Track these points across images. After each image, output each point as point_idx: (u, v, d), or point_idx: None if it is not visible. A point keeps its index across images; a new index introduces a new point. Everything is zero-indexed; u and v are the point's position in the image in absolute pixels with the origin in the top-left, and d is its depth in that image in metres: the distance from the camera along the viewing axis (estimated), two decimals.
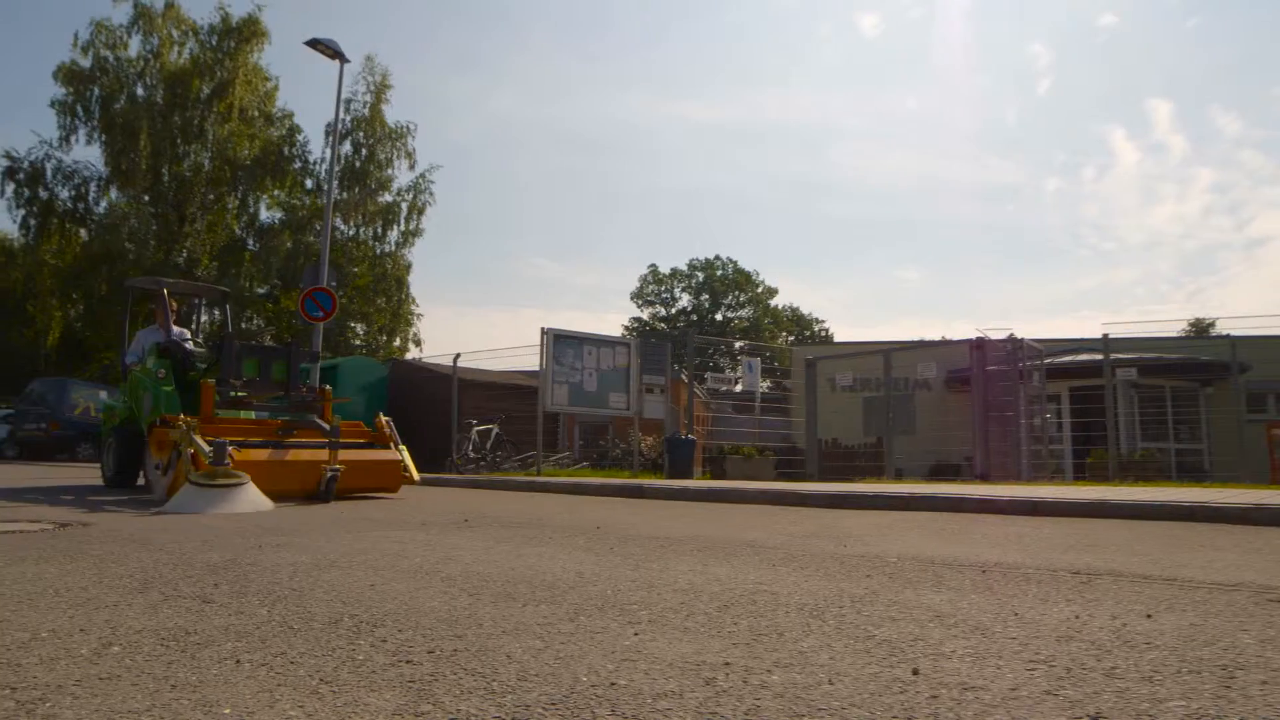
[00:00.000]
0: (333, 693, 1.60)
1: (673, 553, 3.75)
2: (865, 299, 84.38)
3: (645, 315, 60.37)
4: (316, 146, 35.13)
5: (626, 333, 55.00)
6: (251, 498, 6.23)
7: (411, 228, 33.20)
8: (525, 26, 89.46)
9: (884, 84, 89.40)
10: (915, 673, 1.73)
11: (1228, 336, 14.72)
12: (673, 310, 60.17)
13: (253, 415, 8.77)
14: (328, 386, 8.89)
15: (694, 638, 2.06)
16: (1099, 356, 12.31)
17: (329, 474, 7.15)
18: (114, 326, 28.13)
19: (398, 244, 32.95)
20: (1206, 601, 2.58)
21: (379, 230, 32.58)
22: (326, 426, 7.77)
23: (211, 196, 31.37)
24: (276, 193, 32.76)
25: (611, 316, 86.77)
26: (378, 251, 32.39)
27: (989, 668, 1.78)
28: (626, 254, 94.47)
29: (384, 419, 8.65)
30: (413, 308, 33.24)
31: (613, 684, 1.65)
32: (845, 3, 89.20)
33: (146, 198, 29.70)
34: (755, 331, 55.50)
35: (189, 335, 10.06)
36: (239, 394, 8.19)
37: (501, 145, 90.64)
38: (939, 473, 15.28)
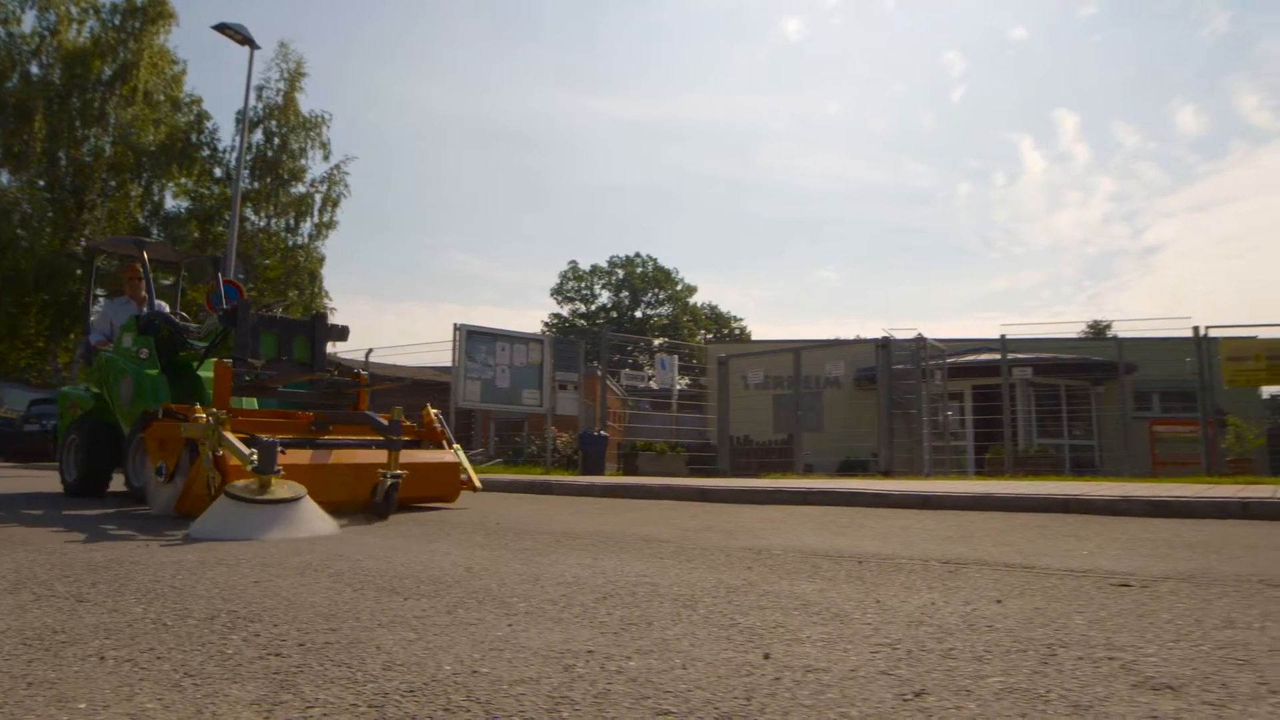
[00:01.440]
0: (194, 685, 1.62)
1: (566, 547, 3.82)
2: (785, 298, 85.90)
3: (565, 312, 60.30)
4: (227, 134, 34.20)
5: (546, 329, 54.81)
6: (312, 516, 4.46)
7: (325, 220, 32.42)
8: (451, 19, 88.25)
9: (806, 88, 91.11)
10: (766, 657, 1.83)
11: (1116, 339, 15.50)
12: (592, 307, 60.22)
13: (256, 404, 7.27)
14: (363, 372, 7.20)
15: (565, 628, 2.13)
16: (997, 356, 12.84)
17: (389, 481, 5.38)
18: (5, 321, 26.90)
19: (311, 236, 32.14)
20: (1055, 587, 2.76)
21: (292, 222, 31.75)
22: (385, 421, 5.80)
23: (113, 183, 30.10)
24: (183, 181, 31.63)
25: (532, 312, 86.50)
26: (290, 244, 31.57)
27: (837, 651, 1.89)
28: (549, 250, 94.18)
29: (433, 411, 6.91)
30: (326, 301, 32.53)
31: (474, 672, 1.71)
32: (770, 6, 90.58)
33: (42, 183, 28.36)
34: (674, 329, 55.92)
35: (167, 308, 8.24)
36: (260, 376, 6.20)
37: (426, 138, 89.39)
38: (848, 468, 15.71)
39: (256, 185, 30.50)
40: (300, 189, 31.88)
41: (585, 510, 6.20)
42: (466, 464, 6.67)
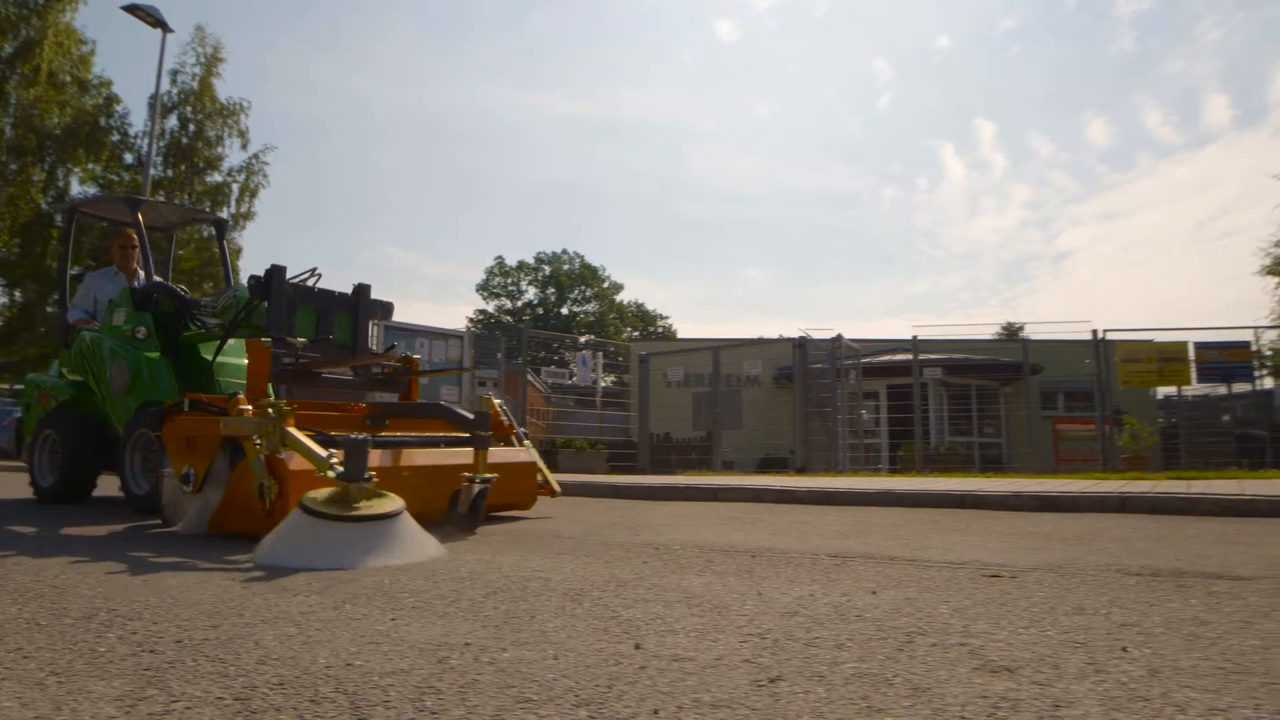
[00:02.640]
0: (59, 683, 1.61)
1: (469, 544, 3.85)
2: (712, 297, 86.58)
3: (490, 308, 59.79)
4: (139, 119, 32.76)
5: (471, 325, 54.28)
6: (414, 535, 3.41)
7: (243, 210, 31.46)
8: (387, 11, 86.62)
9: (737, 89, 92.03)
10: (637, 647, 1.90)
11: (1023, 341, 16.11)
12: (519, 303, 59.82)
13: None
14: (416, 355, 5.98)
15: (449, 622, 2.17)
16: (909, 356, 13.24)
17: (478, 486, 4.39)
18: None
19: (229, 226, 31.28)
20: (931, 579, 2.90)
21: (207, 211, 30.81)
22: (469, 415, 4.85)
23: (14, 166, 28.79)
24: (91, 166, 30.42)
25: (460, 308, 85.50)
26: (205, 234, 30.65)
27: (707, 641, 1.97)
28: (479, 245, 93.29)
29: (497, 403, 5.58)
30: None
31: (348, 664, 1.74)
32: (704, 7, 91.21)
33: None
34: (600, 326, 55.96)
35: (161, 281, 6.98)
36: (304, 359, 5.05)
37: (359, 130, 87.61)
38: (767, 465, 15.99)
39: (170, 173, 29.49)
40: (216, 178, 30.93)
41: None
42: (542, 465, 5.62)
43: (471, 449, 4.60)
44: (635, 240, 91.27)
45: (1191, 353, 14.06)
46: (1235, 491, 5.59)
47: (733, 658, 1.82)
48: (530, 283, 60.40)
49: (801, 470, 11.98)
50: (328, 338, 5.31)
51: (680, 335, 51.16)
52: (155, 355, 5.58)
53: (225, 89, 32.77)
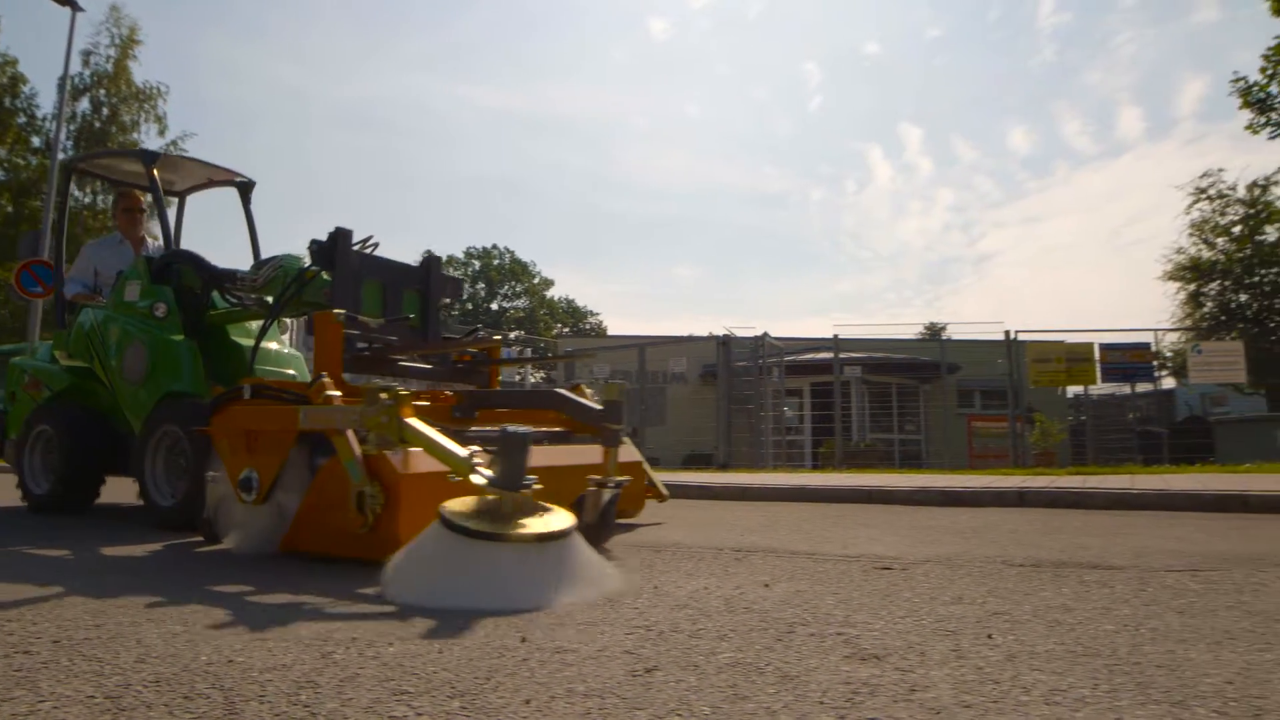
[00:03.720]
0: None
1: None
2: (642, 293, 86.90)
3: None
4: (49, 101, 31.53)
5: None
6: (590, 558, 2.70)
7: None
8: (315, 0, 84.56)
9: (669, 88, 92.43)
10: (523, 640, 1.94)
11: (939, 340, 16.60)
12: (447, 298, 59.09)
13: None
14: (497, 336, 5.24)
15: (344, 617, 2.18)
16: (830, 355, 13.52)
17: (609, 491, 3.58)
18: None
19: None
20: (825, 571, 3.00)
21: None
22: (594, 405, 4.00)
23: None
24: None
25: None
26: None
27: (595, 634, 2.02)
28: (409, 239, 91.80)
29: (588, 390, 4.66)
30: None
31: (230, 660, 1.74)
32: (638, 5, 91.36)
33: None
34: (530, 322, 55.73)
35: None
36: (378, 343, 4.35)
37: (287, 119, 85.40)
38: (691, 461, 16.14)
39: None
40: None
41: None
42: (647, 465, 5.03)
43: (595, 447, 3.82)
44: (566, 236, 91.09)
45: (1097, 353, 14.64)
46: (1125, 486, 5.88)
47: (615, 649, 1.87)
48: (459, 277, 59.89)
49: (724, 466, 12.15)
50: (406, 318, 4.49)
51: (610, 332, 51.19)
52: (179, 338, 4.65)
53: (143, 73, 31.65)
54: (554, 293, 61.18)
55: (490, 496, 2.61)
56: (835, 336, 12.99)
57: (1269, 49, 11.64)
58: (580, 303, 61.84)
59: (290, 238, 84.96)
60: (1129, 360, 15.20)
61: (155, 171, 5.25)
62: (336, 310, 3.85)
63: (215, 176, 6.28)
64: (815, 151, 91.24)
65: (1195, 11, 57.73)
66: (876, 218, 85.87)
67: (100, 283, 5.51)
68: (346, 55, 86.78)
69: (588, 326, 59.04)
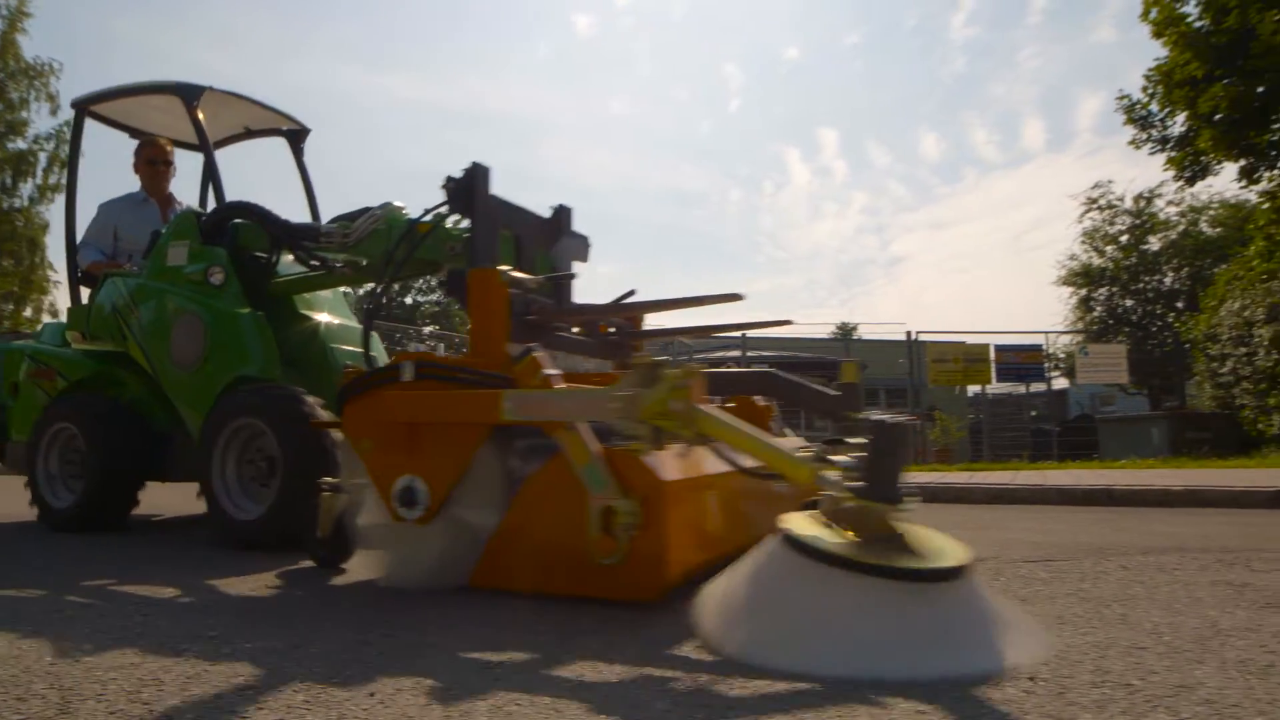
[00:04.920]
0: None
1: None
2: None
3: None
4: None
5: None
6: (990, 608, 1.87)
7: (52, 182, 29.14)
8: None
9: (592, 84, 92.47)
10: (385, 637, 1.96)
11: (844, 340, 17.07)
12: (360, 290, 57.93)
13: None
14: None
15: (213, 614, 2.16)
16: (739, 353, 13.78)
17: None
18: None
19: (32, 199, 28.71)
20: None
21: (9, 181, 28.24)
22: (827, 389, 3.45)
23: None
24: None
25: None
26: (5, 206, 28.09)
27: None
28: None
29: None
30: (50, 273, 29.22)
31: (76, 661, 1.71)
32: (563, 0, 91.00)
33: None
34: (445, 317, 54.98)
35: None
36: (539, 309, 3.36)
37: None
38: None
39: None
40: (20, 145, 28.41)
41: None
42: None
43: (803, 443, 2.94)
44: None
45: (992, 354, 15.26)
46: (1006, 481, 6.17)
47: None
48: None
49: None
50: (570, 275, 3.66)
51: None
52: (245, 310, 3.76)
53: (35, 48, 30.05)
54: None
55: (844, 512, 1.89)
56: (743, 335, 13.22)
57: (1150, 70, 12.30)
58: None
59: None
60: (1022, 361, 15.91)
61: (199, 112, 4.32)
62: (502, 267, 2.85)
63: (261, 123, 5.11)
64: (734, 152, 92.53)
65: (1094, 31, 60.60)
66: (793, 219, 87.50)
67: (121, 248, 4.63)
68: (268, 42, 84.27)
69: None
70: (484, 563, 2.47)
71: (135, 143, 4.94)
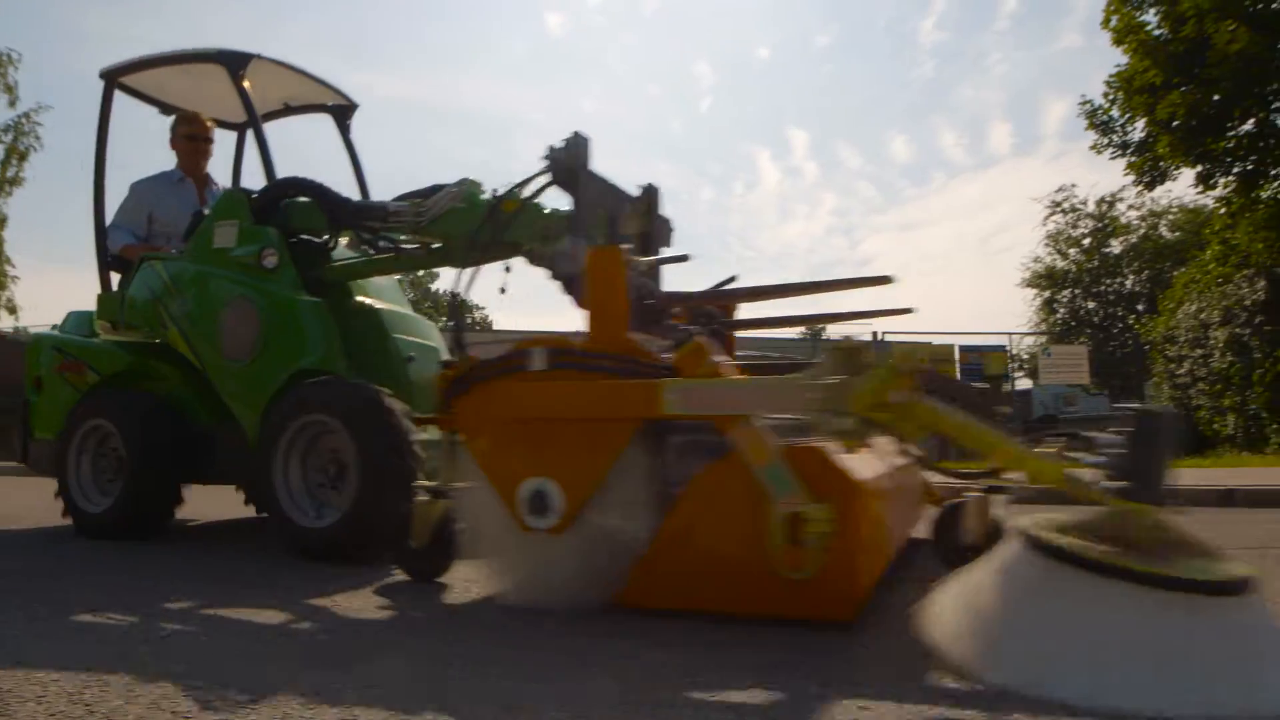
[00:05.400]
0: None
1: (211, 536, 3.74)
2: (537, 289, 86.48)
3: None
4: None
5: None
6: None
7: (10, 175, 28.47)
8: None
9: (565, 82, 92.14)
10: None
11: (811, 340, 17.22)
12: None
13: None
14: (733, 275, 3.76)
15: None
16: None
17: (995, 499, 2.54)
18: None
19: None
20: None
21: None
22: (971, 384, 3.16)
23: None
24: None
25: None
26: None
27: None
28: None
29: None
30: (7, 268, 28.64)
31: (18, 662, 1.69)
32: None
33: None
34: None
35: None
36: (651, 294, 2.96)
37: None
38: None
39: None
40: None
41: None
42: None
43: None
44: None
45: (957, 355, 15.45)
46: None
47: None
48: None
49: None
50: (682, 257, 3.31)
51: (496, 327, 50.87)
52: (305, 297, 3.43)
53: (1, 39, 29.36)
54: (439, 285, 60.28)
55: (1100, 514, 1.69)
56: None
57: (1110, 76, 12.51)
58: (468, 297, 60.95)
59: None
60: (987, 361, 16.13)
61: (245, 82, 3.90)
62: (623, 245, 2.51)
63: (304, 98, 4.67)
64: (705, 151, 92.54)
65: (1060, 38, 61.25)
66: (763, 219, 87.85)
67: (156, 231, 4.24)
68: (239, 35, 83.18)
69: (477, 321, 58.33)
70: (636, 578, 2.16)
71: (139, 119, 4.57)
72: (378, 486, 2.89)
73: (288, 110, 4.77)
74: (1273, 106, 11.34)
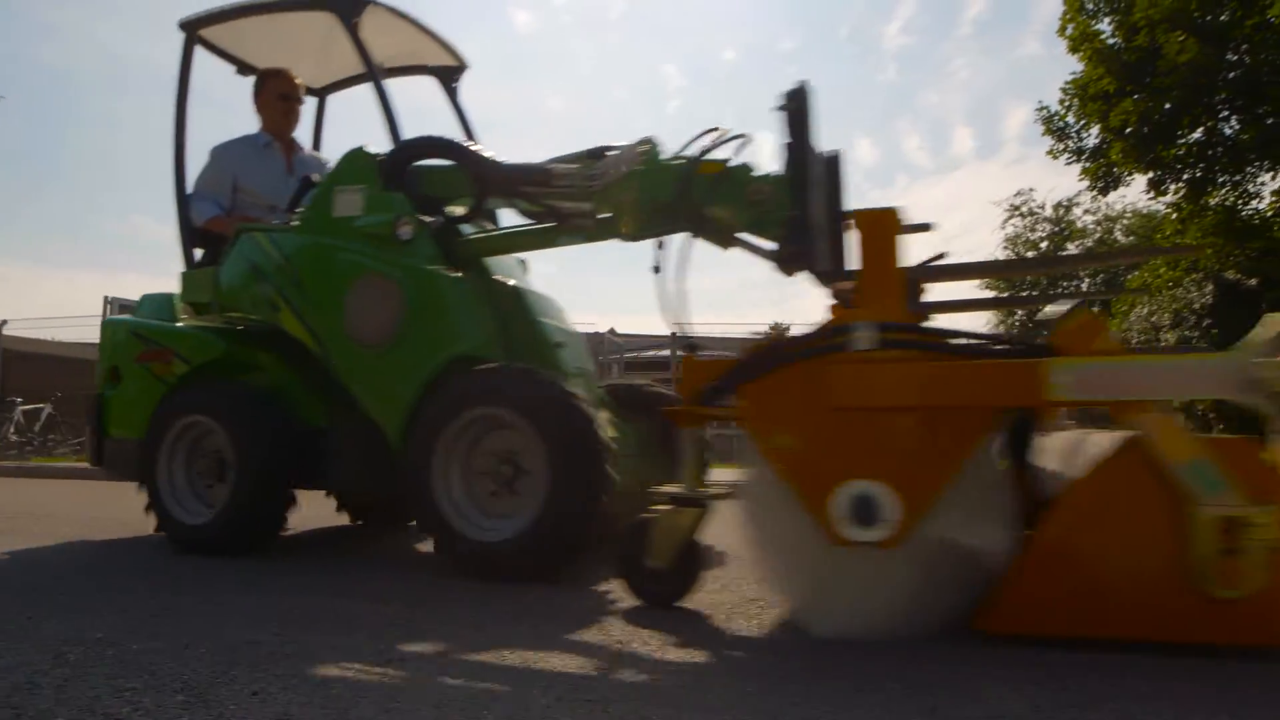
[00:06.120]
0: None
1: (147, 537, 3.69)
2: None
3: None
4: None
5: None
6: None
7: None
8: None
9: (532, 80, 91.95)
10: (275, 634, 1.96)
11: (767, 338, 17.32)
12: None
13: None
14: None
15: (95, 615, 2.13)
16: (667, 352, 13.87)
17: None
18: None
19: None
20: None
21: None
22: None
23: None
24: None
25: None
26: None
27: None
28: None
29: None
30: None
31: None
32: None
33: None
34: None
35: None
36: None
37: (109, 83, 79.29)
38: None
39: None
40: None
41: None
42: None
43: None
44: None
45: None
46: None
47: None
48: None
49: None
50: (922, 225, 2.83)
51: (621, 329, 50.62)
52: (452, 272, 3.02)
53: None
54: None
55: None
56: (673, 335, 13.28)
57: (1066, 83, 12.74)
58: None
59: (106, 212, 78.71)
60: None
61: (360, 33, 3.37)
62: (887, 206, 2.11)
63: (407, 58, 4.09)
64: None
65: (1021, 45, 62.44)
66: None
67: (242, 200, 3.79)
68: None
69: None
70: (1003, 599, 1.83)
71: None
72: (573, 492, 2.52)
73: (415, 67, 4.25)
74: (1220, 116, 11.64)
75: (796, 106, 2.39)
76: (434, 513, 2.72)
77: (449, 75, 4.25)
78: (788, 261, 2.47)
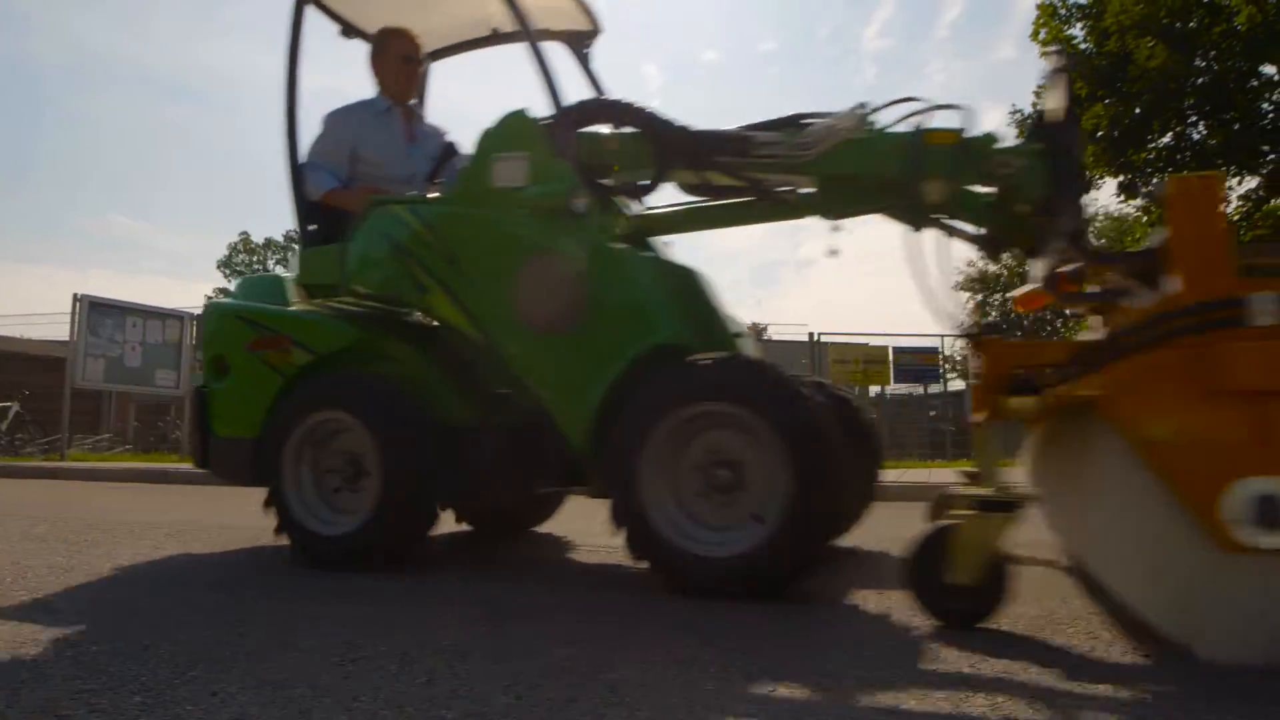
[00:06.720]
0: None
1: (116, 537, 3.67)
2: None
3: (233, 286, 55.64)
4: None
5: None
6: None
7: None
8: None
9: (513, 81, 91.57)
10: (241, 635, 1.96)
11: (755, 339, 17.44)
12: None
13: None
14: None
15: (50, 612, 2.13)
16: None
17: None
18: None
19: None
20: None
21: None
22: None
23: None
24: None
25: (200, 286, 78.79)
26: None
27: None
28: (224, 218, 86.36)
29: None
30: None
31: None
32: None
33: None
34: None
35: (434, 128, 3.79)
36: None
37: (84, 78, 78.15)
38: None
39: None
40: None
41: (171, 497, 5.92)
42: None
43: None
44: None
45: (891, 355, 15.74)
46: (889, 480, 6.41)
47: None
48: (278, 261, 56.99)
49: None
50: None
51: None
52: (642, 251, 2.83)
53: None
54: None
55: None
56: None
57: (1039, 86, 12.90)
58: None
59: (79, 208, 77.72)
60: (920, 363, 16.44)
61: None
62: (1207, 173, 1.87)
63: (540, 19, 3.42)
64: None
65: (997, 49, 63.18)
66: None
67: (362, 171, 3.43)
68: (156, 14, 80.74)
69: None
70: None
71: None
72: (817, 499, 2.25)
73: (495, 38, 3.86)
74: (1189, 121, 11.82)
75: (1069, 67, 2.09)
76: (640, 520, 2.40)
77: (581, 41, 3.85)
78: (1000, 246, 2.28)
